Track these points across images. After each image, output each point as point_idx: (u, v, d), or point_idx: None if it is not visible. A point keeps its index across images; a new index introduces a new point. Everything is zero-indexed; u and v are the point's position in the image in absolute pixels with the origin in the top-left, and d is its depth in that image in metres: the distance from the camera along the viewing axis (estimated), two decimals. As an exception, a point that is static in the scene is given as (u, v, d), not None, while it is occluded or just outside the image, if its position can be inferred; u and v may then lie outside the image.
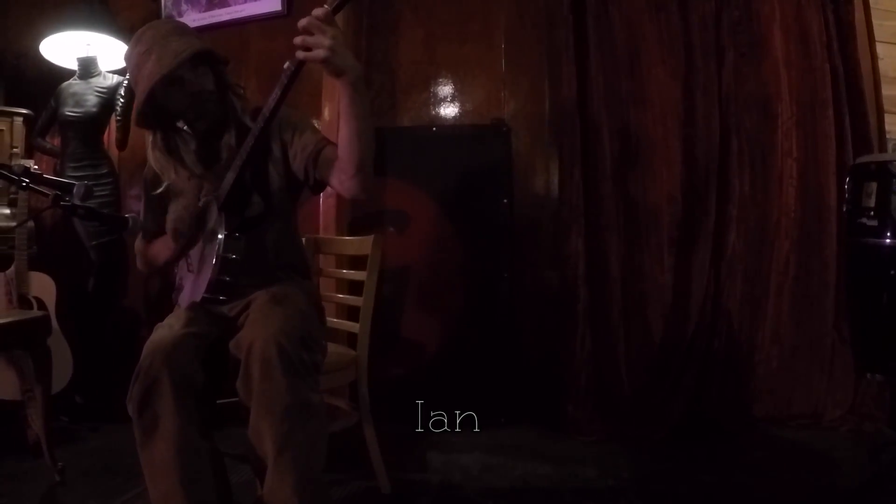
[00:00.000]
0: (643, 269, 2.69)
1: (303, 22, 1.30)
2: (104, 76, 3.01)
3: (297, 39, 1.31)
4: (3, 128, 2.99)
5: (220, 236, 1.52)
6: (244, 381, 1.36)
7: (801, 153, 2.58)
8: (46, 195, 1.53)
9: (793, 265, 2.58)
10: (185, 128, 1.71)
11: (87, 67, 2.99)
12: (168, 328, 1.47)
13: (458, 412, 2.70)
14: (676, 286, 2.64)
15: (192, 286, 1.68)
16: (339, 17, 2.85)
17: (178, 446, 1.35)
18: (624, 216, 2.70)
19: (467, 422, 2.67)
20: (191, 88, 1.59)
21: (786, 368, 2.58)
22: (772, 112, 2.62)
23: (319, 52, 1.30)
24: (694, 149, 2.65)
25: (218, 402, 1.56)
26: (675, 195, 2.65)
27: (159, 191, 1.70)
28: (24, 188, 1.62)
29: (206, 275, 1.55)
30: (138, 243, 1.84)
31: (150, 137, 1.68)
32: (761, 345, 2.61)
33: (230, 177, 1.57)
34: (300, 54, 1.32)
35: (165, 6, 3.27)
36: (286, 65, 1.40)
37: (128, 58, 1.62)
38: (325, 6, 1.31)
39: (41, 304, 2.67)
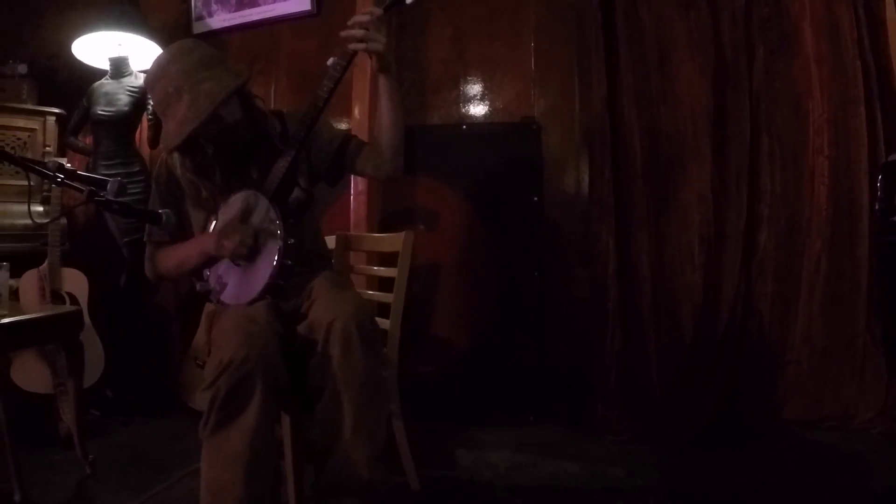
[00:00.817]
0: (673, 268, 2.67)
1: (361, 18, 1.50)
2: (135, 76, 3.04)
3: (351, 33, 1.49)
4: (37, 127, 3.03)
5: (279, 224, 1.58)
6: (322, 360, 1.41)
7: (832, 151, 2.55)
8: (80, 191, 1.54)
9: (824, 264, 2.55)
10: (211, 152, 1.71)
11: (119, 67, 3.03)
12: (252, 324, 1.44)
13: (487, 410, 2.72)
14: (707, 285, 2.61)
15: (241, 281, 1.67)
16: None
17: (252, 442, 1.36)
18: (654, 214, 2.68)
19: (496, 420, 2.68)
20: (223, 124, 1.61)
21: (816, 369, 2.54)
22: (802, 109, 2.59)
23: (378, 45, 1.50)
24: (724, 147, 2.62)
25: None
26: (706, 193, 2.62)
27: (175, 192, 1.74)
28: (58, 184, 1.63)
29: (267, 263, 1.58)
30: (149, 249, 1.82)
31: (178, 157, 1.69)
32: (792, 345, 2.58)
33: (282, 166, 1.62)
34: (357, 46, 1.50)
35: (195, 6, 3.31)
36: (330, 61, 1.56)
37: (150, 87, 1.63)
38: (376, 7, 1.50)
39: (74, 300, 2.71)
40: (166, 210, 1.58)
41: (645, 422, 2.52)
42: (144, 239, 1.82)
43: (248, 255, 1.61)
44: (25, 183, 2.85)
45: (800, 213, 2.57)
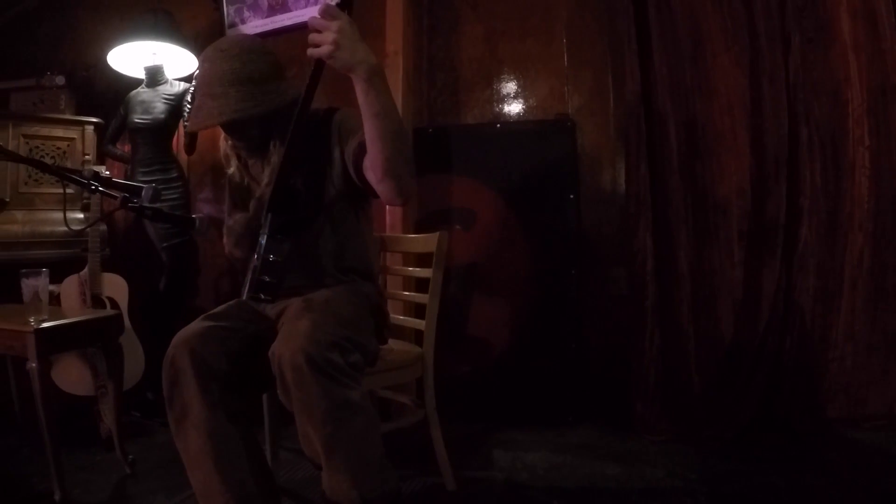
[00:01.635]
0: (712, 264, 2.61)
1: (311, 20, 1.29)
2: (171, 83, 3.09)
3: (309, 37, 1.29)
4: (76, 136, 3.10)
5: (262, 239, 1.52)
6: (282, 391, 1.37)
7: (873, 141, 2.47)
8: (114, 198, 1.58)
9: (867, 258, 2.47)
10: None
11: (154, 76, 3.08)
12: (197, 322, 1.53)
13: (524, 410, 2.71)
14: (747, 281, 2.56)
15: (245, 283, 1.70)
16: (399, 19, 2.89)
17: (208, 433, 1.40)
18: (692, 210, 2.63)
19: (534, 420, 2.67)
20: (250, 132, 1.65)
21: (860, 366, 2.47)
22: (841, 99, 2.51)
23: (323, 49, 1.27)
24: (762, 139, 2.56)
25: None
26: (744, 187, 2.57)
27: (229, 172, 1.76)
28: (93, 191, 1.67)
29: (249, 274, 1.56)
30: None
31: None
32: (835, 342, 2.50)
33: (272, 178, 1.56)
34: (309, 51, 1.30)
35: (228, 14, 3.34)
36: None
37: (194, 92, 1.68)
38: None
39: (114, 304, 2.76)
40: (199, 216, 1.61)
41: (684, 421, 2.48)
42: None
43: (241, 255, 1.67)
44: (68, 191, 2.92)
45: (841, 205, 2.50)
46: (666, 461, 2.24)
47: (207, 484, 1.39)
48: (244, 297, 1.55)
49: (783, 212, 2.51)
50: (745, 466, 2.18)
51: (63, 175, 1.62)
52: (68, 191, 2.92)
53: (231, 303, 1.69)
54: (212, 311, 1.62)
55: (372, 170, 1.46)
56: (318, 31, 1.27)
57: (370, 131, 1.37)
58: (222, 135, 1.72)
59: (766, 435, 2.40)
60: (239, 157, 1.74)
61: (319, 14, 1.27)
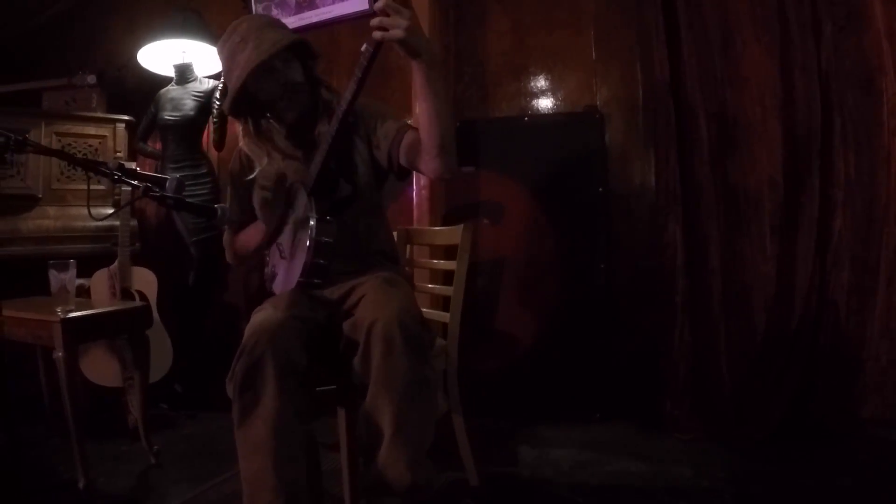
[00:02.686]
0: (744, 259, 2.55)
1: (379, 4, 1.32)
2: (200, 81, 3.14)
3: (374, 21, 1.33)
4: (107, 134, 3.16)
5: (312, 221, 1.55)
6: (363, 360, 1.40)
7: (908, 131, 2.39)
8: (137, 188, 1.60)
9: (904, 253, 2.39)
10: (273, 121, 1.77)
11: (184, 73, 3.13)
12: (272, 310, 1.49)
13: (552, 407, 2.68)
14: (779, 276, 2.48)
15: (286, 272, 1.72)
16: (425, 13, 2.90)
17: (275, 427, 1.38)
18: (723, 202, 2.56)
19: (561, 417, 2.64)
20: (282, 79, 1.65)
21: (896, 365, 2.39)
22: (876, 87, 2.42)
23: (397, 32, 1.32)
24: (794, 129, 2.48)
25: (317, 388, 1.57)
26: (776, 179, 2.49)
27: (250, 177, 1.76)
28: (115, 181, 1.70)
29: (301, 258, 1.58)
30: (226, 236, 1.90)
31: (241, 126, 1.74)
32: (870, 340, 2.41)
33: (317, 161, 1.60)
34: (377, 34, 1.34)
35: (256, 11, 3.38)
36: (363, 47, 1.41)
37: (220, 48, 1.69)
38: None
39: (143, 298, 2.81)
40: (221, 205, 1.63)
41: (714, 420, 2.43)
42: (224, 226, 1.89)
43: (271, 206, 1.67)
44: (100, 187, 2.98)
45: (877, 198, 2.40)
46: (694, 460, 2.20)
47: (260, 475, 1.38)
48: (293, 284, 1.60)
49: (816, 204, 2.44)
50: (775, 467, 2.13)
51: (87, 165, 1.64)
52: (100, 186, 2.99)
53: (282, 294, 1.66)
54: (277, 300, 1.58)
55: (425, 149, 1.53)
56: (387, 15, 1.33)
57: (429, 111, 1.47)
58: (241, 138, 1.76)
59: (798, 435, 2.34)
60: (273, 144, 1.76)
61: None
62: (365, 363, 1.40)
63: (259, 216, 1.74)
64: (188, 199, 1.68)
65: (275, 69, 1.63)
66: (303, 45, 1.69)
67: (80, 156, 3.03)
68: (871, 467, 2.08)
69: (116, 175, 1.62)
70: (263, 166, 1.70)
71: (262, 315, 1.48)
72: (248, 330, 1.46)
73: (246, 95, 1.66)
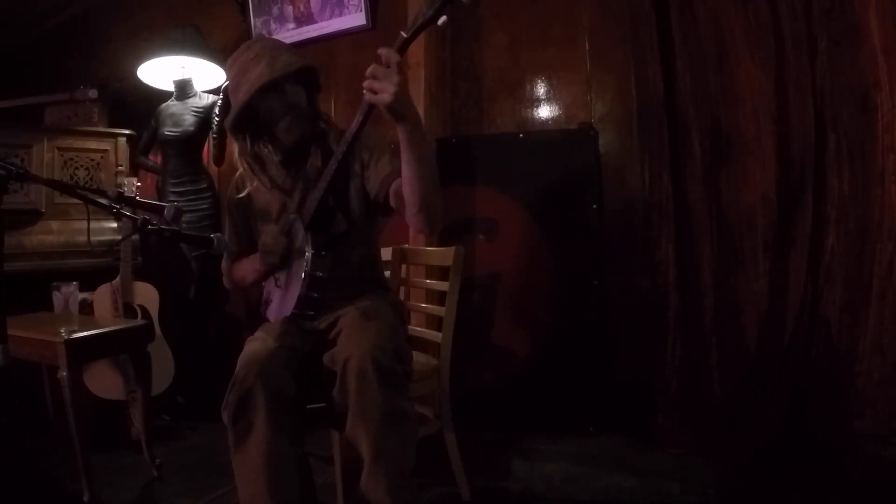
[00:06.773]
0: (736, 275, 2.56)
1: (370, 70, 1.36)
2: (200, 96, 3.18)
3: (366, 83, 1.37)
4: (109, 148, 3.20)
5: (307, 255, 1.59)
6: (341, 392, 1.46)
7: (903, 147, 2.39)
8: (135, 219, 1.64)
9: (897, 269, 2.40)
10: (270, 146, 1.79)
11: (184, 89, 3.17)
12: (261, 341, 1.56)
13: (546, 420, 2.71)
14: (772, 292, 2.49)
15: (280, 301, 1.76)
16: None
17: (268, 453, 1.45)
18: (716, 219, 2.58)
19: (556, 430, 2.67)
20: (287, 101, 1.70)
21: (889, 380, 2.38)
22: (870, 104, 2.42)
23: (384, 97, 1.34)
24: (788, 146, 2.49)
25: (308, 406, 1.64)
26: (770, 196, 2.50)
27: (241, 195, 1.82)
28: (115, 215, 1.74)
29: (295, 291, 1.63)
30: (224, 263, 1.94)
31: (238, 144, 1.78)
32: (862, 355, 2.42)
33: (316, 196, 1.64)
34: (367, 97, 1.38)
35: (255, 26, 3.40)
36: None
37: (231, 63, 1.73)
38: (396, 46, 1.37)
39: (145, 312, 2.85)
40: (217, 234, 1.66)
41: (706, 434, 2.45)
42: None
43: (279, 266, 1.73)
44: (102, 202, 3.01)
45: (870, 214, 2.41)
46: (683, 475, 2.21)
47: (256, 500, 1.46)
48: (287, 314, 1.65)
49: (809, 221, 2.45)
50: (765, 482, 2.14)
51: (87, 199, 1.68)
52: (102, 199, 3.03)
53: (279, 321, 1.71)
54: (268, 330, 1.65)
55: (408, 204, 1.56)
56: (377, 79, 1.35)
57: (410, 172, 1.49)
58: (237, 154, 1.79)
59: (789, 450, 2.35)
60: (264, 169, 1.80)
61: (386, 65, 1.35)
62: (342, 395, 1.46)
63: (261, 260, 1.77)
64: (185, 230, 1.73)
65: (283, 90, 1.68)
66: (312, 73, 1.75)
67: (82, 170, 3.08)
68: (863, 483, 2.09)
69: (115, 208, 1.65)
70: (268, 229, 1.77)
71: (253, 346, 1.55)
72: (240, 361, 1.53)
73: (249, 112, 1.70)
